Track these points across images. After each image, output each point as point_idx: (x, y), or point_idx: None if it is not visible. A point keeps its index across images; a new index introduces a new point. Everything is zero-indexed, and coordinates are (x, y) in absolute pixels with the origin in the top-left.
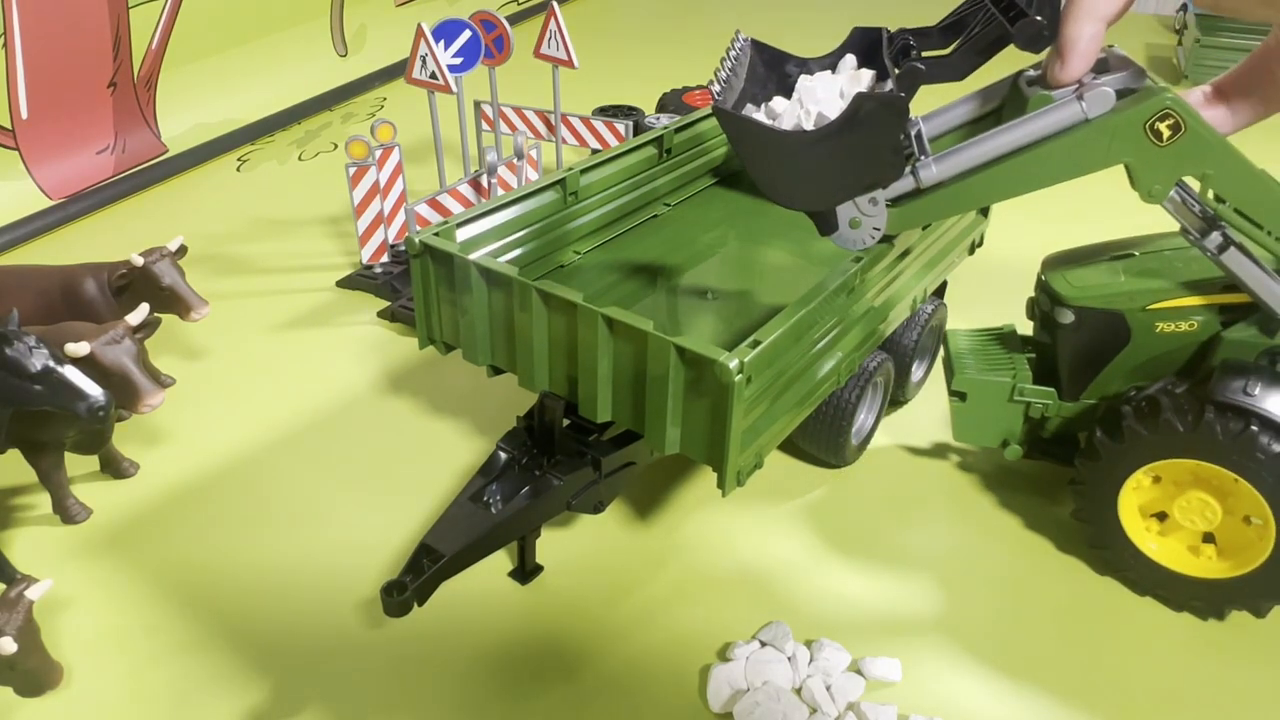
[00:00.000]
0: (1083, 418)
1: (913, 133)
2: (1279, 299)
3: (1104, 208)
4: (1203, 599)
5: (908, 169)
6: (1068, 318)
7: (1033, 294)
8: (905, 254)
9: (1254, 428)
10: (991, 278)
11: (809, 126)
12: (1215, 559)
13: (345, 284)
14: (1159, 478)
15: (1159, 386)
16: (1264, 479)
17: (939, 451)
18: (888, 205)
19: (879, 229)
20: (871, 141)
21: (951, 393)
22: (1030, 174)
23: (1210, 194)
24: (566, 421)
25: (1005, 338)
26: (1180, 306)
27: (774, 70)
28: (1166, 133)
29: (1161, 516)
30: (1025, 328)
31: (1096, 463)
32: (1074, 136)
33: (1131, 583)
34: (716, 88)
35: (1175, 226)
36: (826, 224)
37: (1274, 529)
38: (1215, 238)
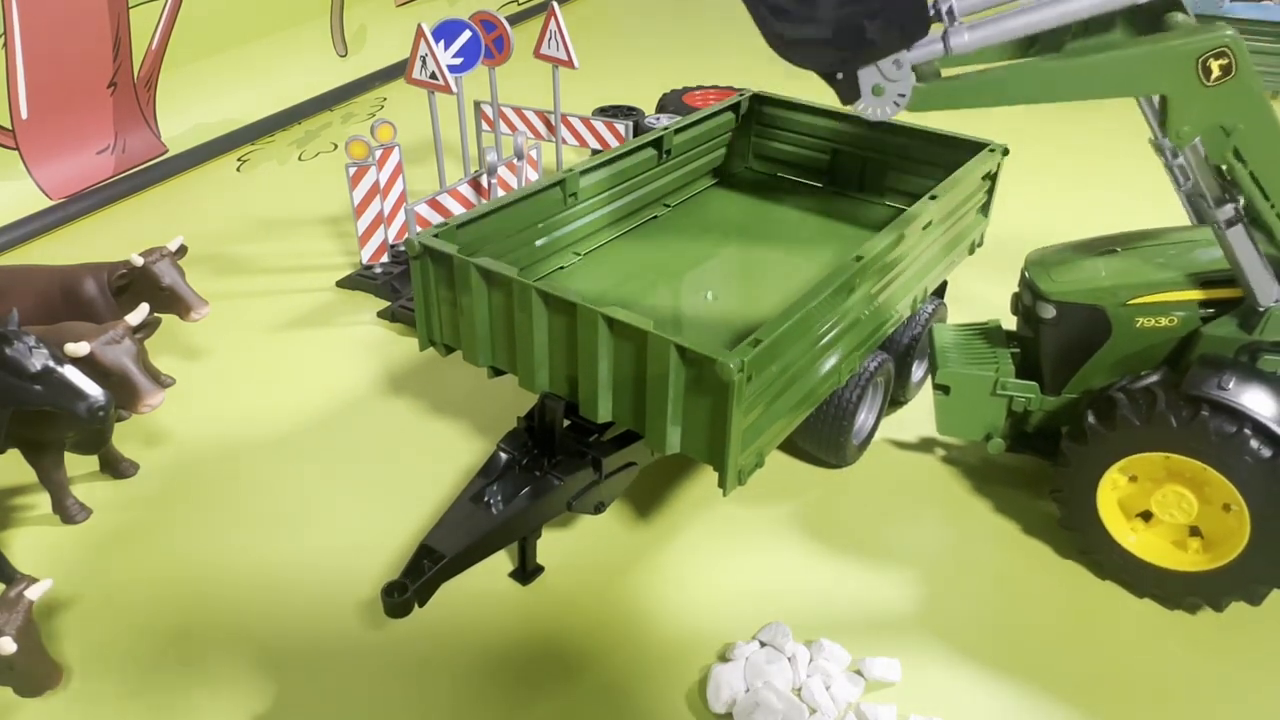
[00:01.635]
0: (1065, 412)
1: (944, 8)
2: (1265, 288)
3: (1109, 209)
4: (1197, 593)
5: (939, 34)
6: (1049, 312)
7: (1017, 289)
8: (907, 254)
9: (1205, 413)
10: (993, 277)
11: None
12: (1201, 551)
13: (345, 284)
14: (1135, 476)
15: (1118, 385)
16: (1227, 463)
17: (938, 452)
18: (916, 83)
19: (903, 96)
20: None
21: (935, 386)
22: (1067, 79)
23: (1231, 150)
24: (567, 422)
25: (990, 332)
26: (1160, 302)
27: None
28: (1216, 71)
29: (1147, 517)
30: (1013, 323)
31: (1069, 468)
32: (1122, 53)
33: (1128, 585)
34: None
35: (1162, 223)
36: (849, 90)
37: (1248, 513)
38: (1228, 210)
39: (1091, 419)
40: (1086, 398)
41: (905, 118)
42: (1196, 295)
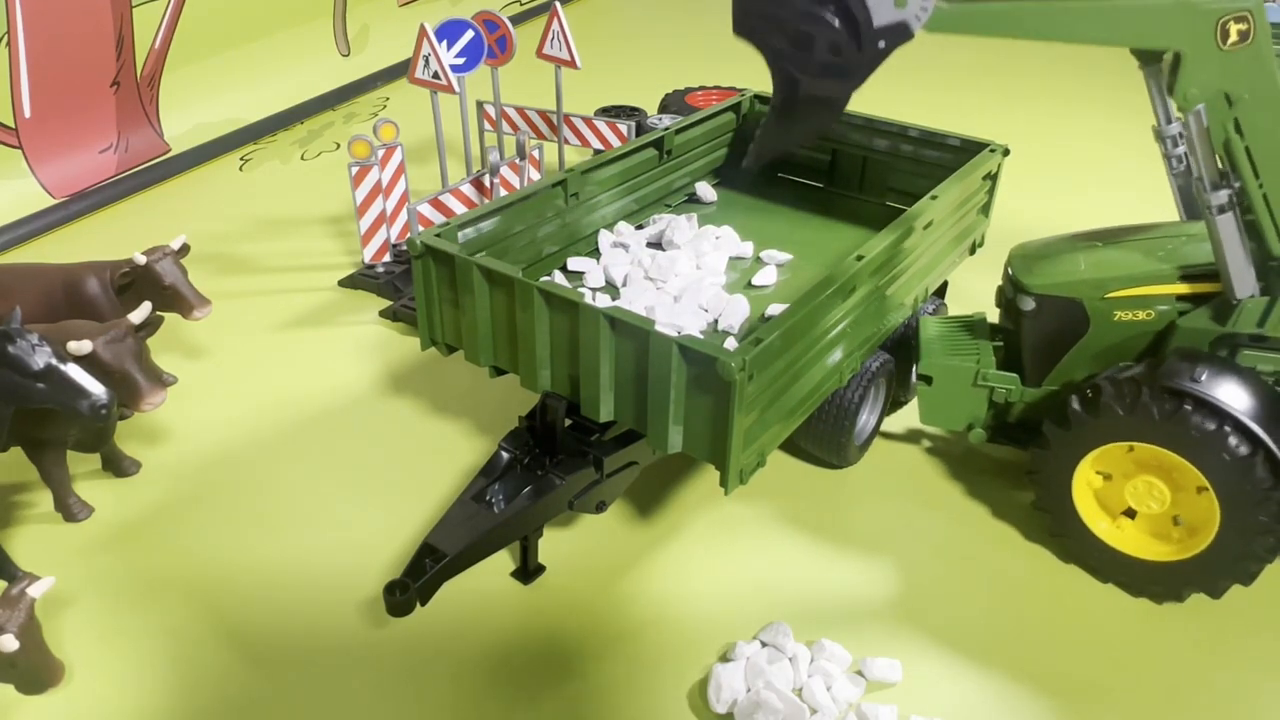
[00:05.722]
0: (1045, 403)
1: None
2: (1243, 280)
3: (1111, 210)
4: (1193, 582)
5: None
6: (1029, 305)
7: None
8: (908, 254)
9: (1187, 407)
10: (993, 277)
11: None
12: (1185, 539)
13: (347, 283)
14: (1110, 476)
15: (1104, 374)
16: (1203, 459)
17: (940, 453)
18: (939, 3)
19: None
20: None
21: (919, 376)
22: (1086, 19)
23: (1231, 122)
24: (569, 421)
25: (974, 325)
26: (1138, 295)
27: None
28: (1234, 36)
29: (1133, 515)
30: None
31: (1048, 450)
32: (1146, 1)
33: (1125, 585)
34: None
35: (1149, 218)
36: (894, 36)
37: (1219, 504)
38: (1222, 195)
39: (1076, 405)
40: (1067, 390)
41: (905, 118)
42: (1174, 289)
